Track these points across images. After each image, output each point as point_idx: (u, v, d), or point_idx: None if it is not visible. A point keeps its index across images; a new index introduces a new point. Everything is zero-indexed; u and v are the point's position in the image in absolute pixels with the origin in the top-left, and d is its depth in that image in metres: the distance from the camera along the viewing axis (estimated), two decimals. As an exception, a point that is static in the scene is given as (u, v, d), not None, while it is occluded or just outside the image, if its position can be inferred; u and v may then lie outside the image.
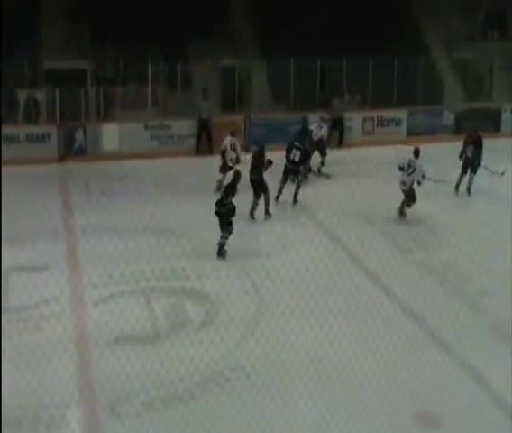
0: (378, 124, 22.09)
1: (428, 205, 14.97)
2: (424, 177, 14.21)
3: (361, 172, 17.07)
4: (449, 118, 22.71)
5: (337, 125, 21.16)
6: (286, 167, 15.49)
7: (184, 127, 20.17)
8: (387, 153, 19.22)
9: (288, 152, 15.50)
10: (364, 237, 11.90)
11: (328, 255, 12.04)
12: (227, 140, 16.52)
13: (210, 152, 19.43)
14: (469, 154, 16.25)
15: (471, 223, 14.28)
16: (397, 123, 22.21)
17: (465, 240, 13.15)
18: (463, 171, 16.26)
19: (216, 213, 12.43)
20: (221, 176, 15.91)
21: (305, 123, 18.24)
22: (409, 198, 14.24)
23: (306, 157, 15.90)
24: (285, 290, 10.53)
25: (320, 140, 17.96)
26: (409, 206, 14.37)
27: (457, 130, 22.19)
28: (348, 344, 9.17)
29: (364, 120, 21.94)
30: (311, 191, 16.23)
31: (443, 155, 17.73)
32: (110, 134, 19.42)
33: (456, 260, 12.13)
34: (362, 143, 21.11)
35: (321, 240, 12.92)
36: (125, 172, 17.69)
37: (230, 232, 12.42)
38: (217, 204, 12.50)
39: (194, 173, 17.63)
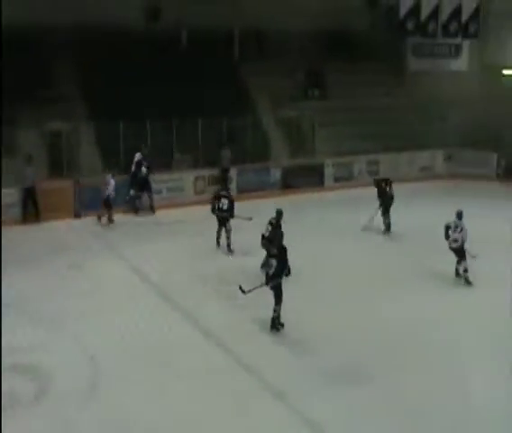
0: (209, 183, 22.42)
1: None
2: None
3: (194, 231, 17.25)
4: (276, 175, 23.50)
5: (225, 175, 21.95)
6: (217, 216, 16.08)
7: (8, 196, 19.24)
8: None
9: (218, 200, 16.10)
10: (199, 296, 11.97)
11: (162, 316, 12.09)
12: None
13: (37, 219, 18.80)
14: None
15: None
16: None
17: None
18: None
19: (273, 287, 11.75)
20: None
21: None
22: (460, 255, 14.30)
23: (232, 204, 16.10)
24: (121, 354, 10.39)
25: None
26: (465, 271, 14.23)
27: (284, 185, 23.16)
28: (188, 404, 9.21)
29: (196, 179, 22.22)
30: (143, 251, 16.16)
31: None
32: None
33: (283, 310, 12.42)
34: (195, 202, 21.32)
35: (156, 302, 12.92)
36: None
37: (281, 301, 11.80)
38: (273, 277, 11.71)
39: (22, 243, 16.85)
